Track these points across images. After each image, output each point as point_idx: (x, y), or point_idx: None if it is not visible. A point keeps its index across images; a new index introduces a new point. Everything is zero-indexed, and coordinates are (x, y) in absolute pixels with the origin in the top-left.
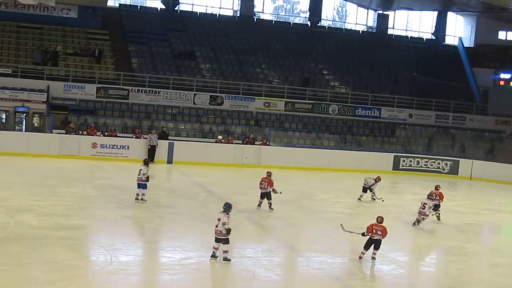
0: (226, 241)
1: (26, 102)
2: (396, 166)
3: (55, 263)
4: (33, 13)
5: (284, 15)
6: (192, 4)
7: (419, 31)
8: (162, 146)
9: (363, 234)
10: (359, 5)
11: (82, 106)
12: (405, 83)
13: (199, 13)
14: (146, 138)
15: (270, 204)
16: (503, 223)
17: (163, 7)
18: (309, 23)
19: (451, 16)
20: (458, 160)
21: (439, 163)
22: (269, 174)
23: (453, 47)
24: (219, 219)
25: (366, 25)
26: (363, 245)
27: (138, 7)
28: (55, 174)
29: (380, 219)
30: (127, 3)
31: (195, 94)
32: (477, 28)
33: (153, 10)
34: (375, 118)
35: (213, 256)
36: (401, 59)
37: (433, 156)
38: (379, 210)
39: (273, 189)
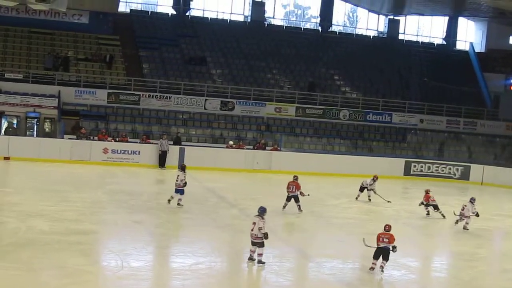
0: (261, 245)
1: (38, 107)
2: (407, 172)
3: (66, 268)
4: (45, 18)
5: (295, 20)
6: (203, 10)
7: (430, 36)
8: (173, 151)
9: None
10: (370, 11)
11: (93, 112)
12: (416, 88)
13: (210, 18)
14: (151, 144)
15: (299, 206)
16: None
17: (174, 12)
18: (320, 28)
19: (462, 21)
20: (469, 166)
21: (450, 169)
22: (295, 178)
23: (464, 52)
24: (254, 223)
25: (377, 30)
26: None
27: (149, 12)
28: (66, 179)
29: (387, 227)
30: (138, 9)
31: (206, 100)
32: (488, 33)
33: (164, 15)
34: (386, 124)
35: (251, 259)
36: (412, 64)
37: (444, 161)
38: (390, 215)
39: (300, 192)
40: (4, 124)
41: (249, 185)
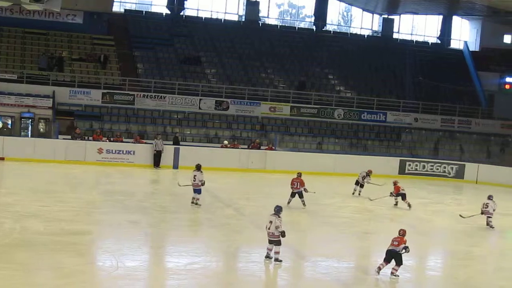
0: (278, 243)
1: (32, 108)
2: (402, 170)
3: (61, 269)
4: (39, 19)
5: (289, 19)
6: (197, 10)
7: (424, 35)
8: (168, 151)
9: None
10: (364, 10)
11: (87, 112)
12: (411, 87)
13: (204, 18)
14: (144, 143)
15: (303, 202)
16: (510, 227)
17: (168, 12)
18: (314, 27)
19: (457, 20)
20: (464, 164)
21: (445, 167)
22: (299, 174)
23: (459, 51)
24: (270, 222)
25: (371, 29)
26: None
27: (144, 12)
28: (61, 180)
29: (402, 232)
30: (132, 9)
31: (200, 99)
32: (483, 32)
33: (159, 15)
34: (381, 123)
35: (268, 257)
36: (407, 63)
37: (439, 160)
38: (385, 214)
39: (304, 188)
40: None
41: (244, 184)
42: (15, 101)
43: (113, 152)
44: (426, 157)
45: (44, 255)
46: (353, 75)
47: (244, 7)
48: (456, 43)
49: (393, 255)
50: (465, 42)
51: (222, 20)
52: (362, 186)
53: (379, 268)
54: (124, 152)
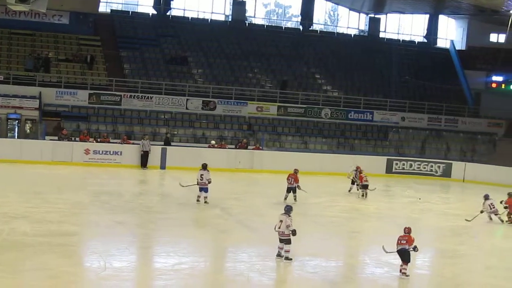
0: (288, 242)
1: (18, 108)
2: (389, 170)
3: (48, 270)
4: (25, 19)
5: (276, 19)
6: (184, 10)
7: (411, 34)
8: (155, 151)
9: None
10: (350, 9)
11: (74, 113)
12: (397, 86)
13: (191, 18)
14: (131, 143)
15: (295, 197)
16: (496, 225)
17: (155, 12)
18: (301, 27)
19: (443, 19)
20: (451, 163)
21: (432, 166)
22: (295, 171)
23: (445, 50)
24: (280, 221)
25: (358, 28)
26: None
27: (130, 12)
28: (48, 181)
29: (407, 230)
30: (118, 9)
31: (187, 99)
32: (469, 30)
33: (145, 15)
34: (368, 122)
35: (279, 255)
36: (393, 63)
37: (426, 159)
38: (372, 213)
39: (297, 185)
40: None
41: (231, 184)
42: (1, 102)
43: (100, 152)
44: (413, 156)
45: (31, 257)
46: (340, 74)
47: (231, 7)
48: (442, 42)
49: (401, 253)
50: (452, 41)
51: (209, 20)
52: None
53: (404, 273)
54: (111, 152)
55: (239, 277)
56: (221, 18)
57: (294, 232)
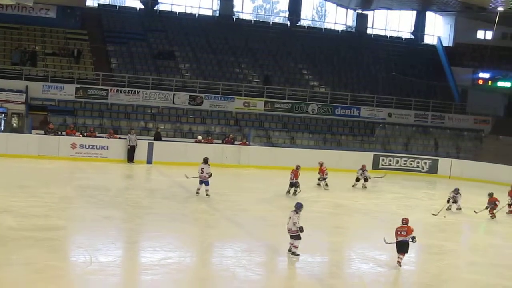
0: (296, 237)
1: (5, 102)
2: (375, 165)
3: (34, 264)
4: (11, 13)
5: (264, 14)
6: (171, 4)
7: (398, 31)
8: (142, 146)
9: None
10: (338, 5)
11: (61, 107)
12: (384, 83)
13: (178, 13)
14: (118, 138)
15: (295, 191)
16: (481, 222)
17: (142, 7)
18: (288, 22)
19: (430, 16)
20: (437, 159)
21: (418, 162)
22: (297, 167)
23: (432, 47)
24: (289, 218)
25: (345, 24)
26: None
27: (117, 7)
28: (34, 175)
29: (405, 221)
30: (106, 3)
31: (174, 94)
32: (456, 27)
33: (132, 10)
34: (355, 118)
35: (289, 250)
36: (380, 59)
37: (412, 155)
38: (358, 208)
39: (296, 182)
40: None
41: (218, 179)
42: None
43: (87, 147)
44: (399, 152)
45: (17, 251)
46: (327, 70)
47: (218, 2)
48: (429, 39)
49: (401, 245)
50: (439, 38)
51: (196, 15)
52: (366, 180)
53: (399, 262)
54: (98, 147)
55: (225, 272)
56: (209, 13)
57: (301, 229)
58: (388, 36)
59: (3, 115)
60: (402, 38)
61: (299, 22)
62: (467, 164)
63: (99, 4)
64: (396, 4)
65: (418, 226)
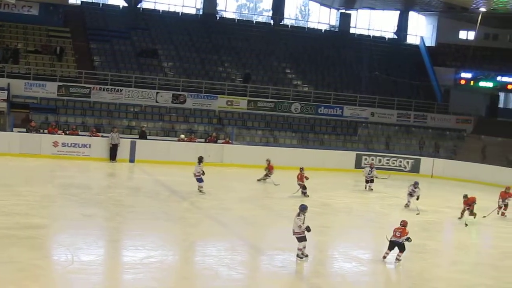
0: (300, 239)
1: None
2: (358, 165)
3: (16, 263)
4: None
5: (247, 13)
6: (155, 2)
7: (381, 30)
8: (124, 144)
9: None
10: (321, 4)
11: (43, 105)
12: (367, 82)
13: (162, 11)
14: (100, 136)
15: (304, 193)
16: (464, 221)
17: (126, 5)
18: (272, 21)
19: (413, 16)
20: (420, 159)
21: (400, 161)
22: (301, 169)
23: (415, 47)
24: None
25: (328, 24)
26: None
27: (100, 4)
28: (16, 173)
29: (403, 223)
30: (89, 1)
31: (157, 93)
32: (439, 27)
33: (116, 7)
34: (338, 117)
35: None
36: (363, 58)
37: (394, 154)
38: (342, 208)
39: (299, 183)
40: None
41: None
42: None
43: (69, 145)
44: (382, 151)
45: None
46: (310, 69)
47: (202, 1)
48: (412, 39)
49: (396, 244)
50: (422, 38)
51: (180, 13)
52: (372, 181)
53: (384, 257)
54: (80, 145)
55: (207, 271)
56: (192, 11)
57: (308, 229)
58: (371, 35)
59: None
60: (385, 38)
61: (282, 21)
62: (449, 164)
63: (82, 2)
64: (379, 4)
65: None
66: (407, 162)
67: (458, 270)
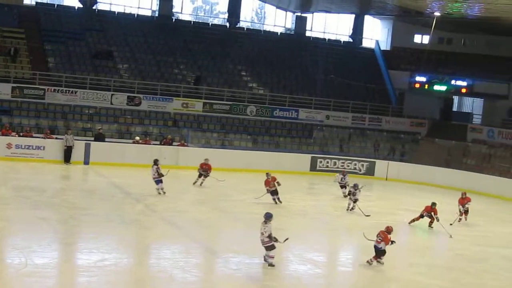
0: (268, 248)
1: None
2: (313, 167)
3: None
4: None
5: (203, 16)
6: (110, 4)
7: (336, 34)
8: (79, 146)
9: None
10: (277, 7)
11: None
12: (323, 85)
13: (117, 12)
14: (54, 138)
15: (276, 199)
16: (418, 223)
17: (81, 6)
18: (227, 24)
19: (368, 20)
20: (374, 161)
21: (355, 164)
22: (267, 174)
23: (370, 50)
24: (260, 230)
25: (284, 27)
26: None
27: (55, 5)
28: None
29: (385, 229)
30: (43, 2)
31: (112, 94)
32: (394, 31)
33: (71, 8)
34: (293, 120)
35: (265, 260)
36: (319, 61)
37: (349, 157)
38: (297, 210)
39: (267, 189)
40: None
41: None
42: None
43: (23, 147)
44: (337, 154)
45: None
46: (266, 72)
47: (158, 2)
48: (368, 42)
49: (375, 248)
50: (377, 41)
51: (135, 15)
52: (345, 187)
53: (379, 261)
54: (34, 147)
55: (162, 273)
56: (148, 13)
57: (274, 238)
58: (327, 39)
59: None
60: (341, 41)
61: (238, 24)
62: (404, 166)
63: (36, 3)
64: (335, 8)
65: (355, 227)
66: (362, 165)
67: (414, 272)
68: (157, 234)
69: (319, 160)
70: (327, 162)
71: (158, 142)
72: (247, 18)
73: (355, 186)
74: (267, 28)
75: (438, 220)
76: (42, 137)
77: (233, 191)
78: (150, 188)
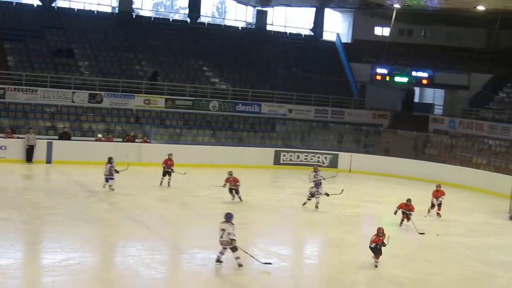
0: (233, 249)
1: None
2: (276, 161)
3: None
4: None
5: (164, 11)
6: (70, 1)
7: (297, 27)
8: (41, 145)
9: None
10: (238, 2)
11: None
12: (284, 79)
13: (77, 9)
14: (16, 138)
15: (239, 197)
16: (382, 214)
17: (40, 3)
18: (188, 19)
19: (329, 13)
20: (337, 154)
21: (319, 157)
22: (230, 173)
23: (331, 43)
24: (222, 230)
25: (245, 21)
26: None
27: (14, 3)
28: None
29: (377, 229)
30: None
31: (73, 92)
32: (354, 24)
33: (29, 6)
34: (255, 114)
35: (218, 260)
36: (280, 55)
37: (312, 150)
38: (261, 204)
39: (224, 185)
40: None
41: (119, 178)
42: None
43: None
44: (300, 147)
45: None
46: (227, 66)
47: None
48: (328, 35)
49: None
50: (338, 34)
51: (95, 12)
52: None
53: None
54: None
55: (128, 271)
56: (108, 10)
57: (233, 242)
58: (288, 32)
59: None
60: (302, 35)
61: (199, 19)
62: (367, 158)
63: None
64: (295, 1)
65: (319, 219)
66: (325, 158)
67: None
68: (122, 232)
69: (282, 154)
70: (291, 156)
71: (120, 139)
72: (207, 13)
73: (317, 185)
74: (228, 23)
75: (408, 221)
76: (3, 137)
77: (197, 187)
78: (114, 185)
